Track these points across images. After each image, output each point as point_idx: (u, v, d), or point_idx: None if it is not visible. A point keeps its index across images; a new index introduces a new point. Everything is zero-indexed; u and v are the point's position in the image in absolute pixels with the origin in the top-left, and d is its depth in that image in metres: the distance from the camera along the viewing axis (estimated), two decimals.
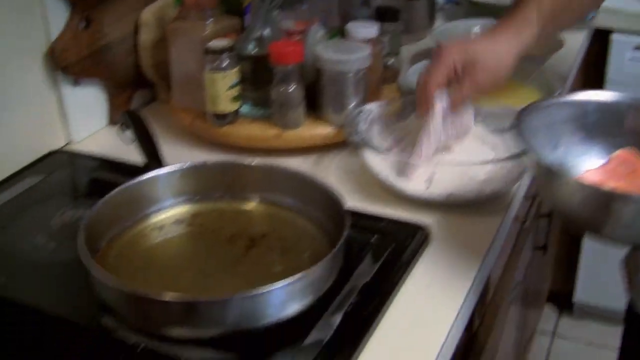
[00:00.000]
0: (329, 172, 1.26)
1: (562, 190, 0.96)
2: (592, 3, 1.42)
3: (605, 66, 2.19)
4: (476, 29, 1.78)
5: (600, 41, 2.17)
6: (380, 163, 1.18)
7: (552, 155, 1.07)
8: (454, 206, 1.15)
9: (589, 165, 1.08)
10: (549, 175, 0.97)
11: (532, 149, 0.99)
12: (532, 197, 1.55)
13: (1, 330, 0.91)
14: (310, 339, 0.88)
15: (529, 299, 1.98)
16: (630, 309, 1.19)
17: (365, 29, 1.34)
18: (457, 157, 1.20)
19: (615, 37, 2.14)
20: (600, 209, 0.92)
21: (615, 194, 0.91)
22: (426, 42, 1.81)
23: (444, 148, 1.20)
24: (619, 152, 1.08)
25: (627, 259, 1.04)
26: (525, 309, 1.94)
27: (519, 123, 1.02)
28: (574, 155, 1.09)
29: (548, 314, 2.67)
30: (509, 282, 1.49)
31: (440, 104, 1.16)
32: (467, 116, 1.22)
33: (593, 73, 2.21)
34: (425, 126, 1.16)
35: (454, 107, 1.18)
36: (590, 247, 2.43)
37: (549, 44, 1.69)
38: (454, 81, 1.17)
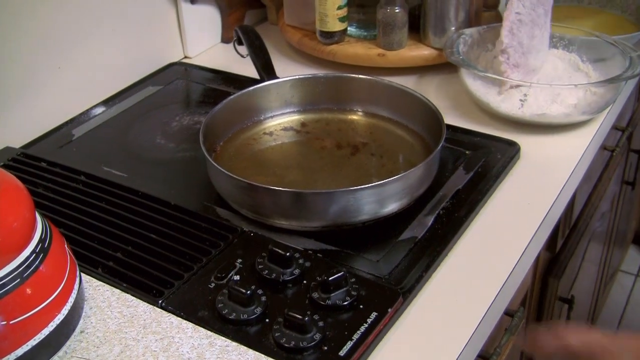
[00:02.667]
0: (429, 91, 1.33)
1: None
2: None
3: None
4: None
5: None
6: (476, 83, 1.24)
7: None
8: (545, 127, 1.20)
9: None
10: None
11: None
12: (623, 128, 1.59)
13: (125, 215, 0.99)
14: (405, 235, 0.96)
15: (614, 236, 2.01)
16: None
17: None
18: (549, 80, 1.26)
19: None
20: None
21: None
22: None
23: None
24: None
25: None
26: (609, 246, 1.97)
27: None
28: None
29: (633, 256, 2.67)
30: (594, 210, 1.54)
31: None
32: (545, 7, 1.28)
33: None
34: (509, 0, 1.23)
35: None
36: None
37: None
38: None
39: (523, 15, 1.23)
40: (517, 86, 1.20)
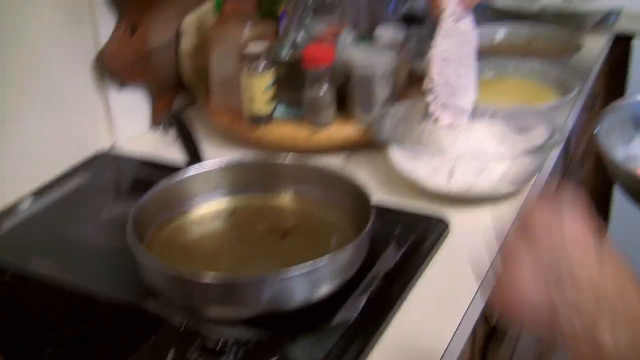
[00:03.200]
0: (358, 169, 1.33)
1: (624, 180, 1.14)
2: None
3: (627, 72, 2.24)
4: (499, 34, 1.86)
5: (622, 46, 2.23)
6: (404, 159, 1.25)
7: (625, 150, 1.21)
8: (474, 199, 1.22)
9: None
10: (615, 169, 1.13)
11: (605, 145, 1.14)
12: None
13: (53, 313, 0.97)
14: (338, 319, 0.95)
15: None
16: None
17: (391, 33, 1.42)
18: (475, 152, 1.28)
19: (637, 43, 2.19)
20: None
21: None
22: None
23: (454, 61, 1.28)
24: None
25: None
26: None
27: (597, 124, 1.16)
28: None
29: None
30: None
31: (449, 10, 1.25)
32: (470, 28, 1.30)
33: (615, 78, 2.26)
34: (435, 39, 1.25)
35: (466, 8, 1.27)
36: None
37: (566, 47, 1.76)
38: None
39: (449, 53, 1.25)
40: (444, 158, 1.22)
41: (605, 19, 2.10)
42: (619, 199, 2.37)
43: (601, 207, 2.47)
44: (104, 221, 1.23)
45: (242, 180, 1.20)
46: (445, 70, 1.25)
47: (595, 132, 1.19)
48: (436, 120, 1.25)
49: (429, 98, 1.25)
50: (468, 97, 1.30)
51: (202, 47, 1.52)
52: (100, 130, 1.46)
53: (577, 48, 1.76)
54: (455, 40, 1.26)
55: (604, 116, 1.22)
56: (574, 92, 1.50)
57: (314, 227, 1.14)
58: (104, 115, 1.45)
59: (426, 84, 1.25)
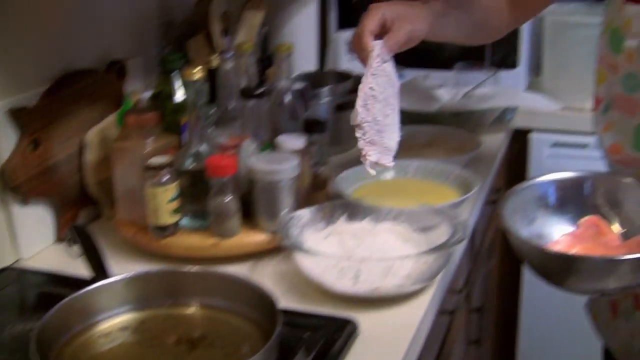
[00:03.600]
0: (265, 276, 1.34)
1: (531, 256, 1.20)
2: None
3: (526, 164, 2.33)
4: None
5: (520, 140, 2.32)
6: (311, 264, 1.27)
7: (529, 229, 1.26)
8: (381, 300, 1.23)
9: (563, 232, 1.29)
10: (521, 246, 1.19)
11: (510, 225, 1.21)
12: (460, 290, 1.65)
13: None
14: None
15: None
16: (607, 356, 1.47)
17: (293, 141, 1.45)
18: (380, 254, 1.30)
19: (533, 136, 2.29)
20: (563, 269, 1.14)
21: (571, 257, 1.16)
22: (353, 152, 1.92)
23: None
24: (585, 219, 1.28)
25: (590, 304, 1.39)
26: None
27: (499, 207, 1.24)
28: (549, 226, 1.29)
29: None
30: None
31: (376, 51, 1.29)
32: (393, 71, 1.34)
33: (515, 171, 2.35)
34: (364, 76, 1.28)
35: (390, 51, 1.32)
36: (526, 338, 2.52)
37: (466, 145, 1.82)
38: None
39: (376, 91, 1.28)
40: (351, 261, 1.24)
41: (502, 117, 2.18)
42: (529, 284, 2.44)
43: (511, 296, 2.52)
44: (7, 341, 1.19)
45: (148, 292, 1.19)
46: (373, 108, 1.28)
47: (500, 213, 1.24)
48: (364, 157, 1.27)
49: (358, 134, 1.27)
50: (394, 137, 1.32)
51: (106, 160, 1.52)
52: (4, 246, 1.43)
53: (477, 146, 1.82)
54: (382, 81, 1.30)
55: (508, 197, 1.28)
56: (474, 190, 1.54)
57: (223, 336, 1.13)
58: (7, 230, 1.43)
59: (354, 119, 1.27)
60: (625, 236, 1.27)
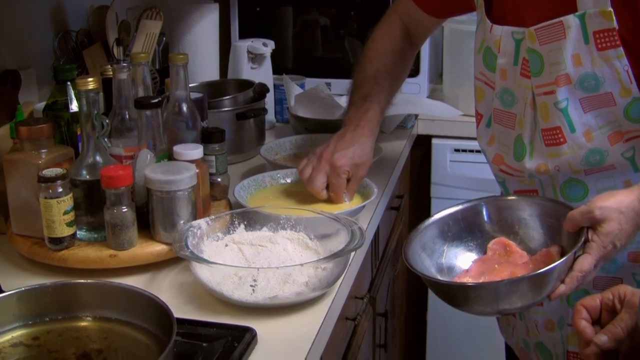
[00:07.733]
0: (163, 287, 1.32)
1: (436, 290, 1.25)
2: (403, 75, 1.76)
3: (430, 169, 2.36)
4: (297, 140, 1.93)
5: (424, 146, 2.35)
6: (208, 274, 1.25)
7: (440, 263, 1.31)
8: (280, 308, 1.23)
9: (473, 259, 1.32)
10: (426, 281, 1.23)
11: (413, 264, 1.25)
12: (363, 296, 1.66)
13: None
14: None
15: None
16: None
17: (190, 151, 1.44)
18: (280, 262, 1.30)
19: (435, 142, 2.32)
20: (466, 298, 1.19)
21: (470, 286, 1.21)
22: (255, 160, 1.93)
23: None
24: (493, 241, 1.31)
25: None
26: None
27: (404, 247, 1.28)
28: (459, 256, 1.33)
29: None
30: None
31: None
32: None
33: (420, 175, 2.38)
34: None
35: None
36: (433, 340, 2.55)
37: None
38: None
39: None
40: (248, 270, 1.23)
41: (404, 123, 2.21)
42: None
43: (418, 300, 2.55)
44: None
45: (42, 306, 1.16)
46: None
47: (404, 252, 1.27)
48: None
49: None
50: None
51: None
52: None
53: (378, 152, 1.83)
54: None
55: (412, 237, 1.31)
56: (373, 197, 1.56)
57: (119, 348, 1.12)
58: None
59: None
60: (531, 251, 1.30)
